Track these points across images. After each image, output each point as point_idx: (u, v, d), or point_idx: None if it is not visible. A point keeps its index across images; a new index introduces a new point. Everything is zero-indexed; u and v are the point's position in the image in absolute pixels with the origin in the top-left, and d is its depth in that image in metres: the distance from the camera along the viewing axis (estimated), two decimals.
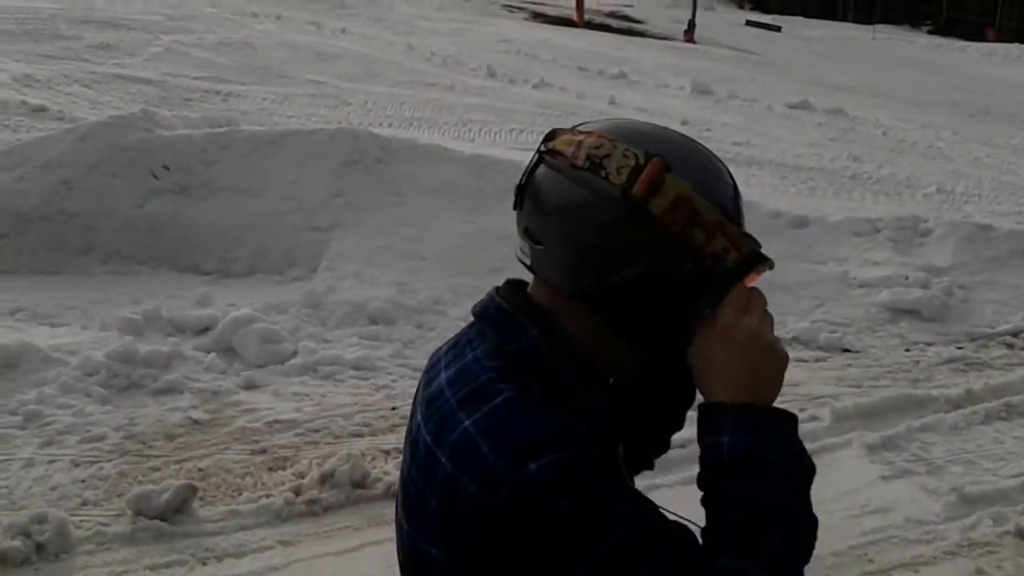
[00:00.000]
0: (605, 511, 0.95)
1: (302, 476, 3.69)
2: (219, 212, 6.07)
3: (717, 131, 10.83)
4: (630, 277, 1.03)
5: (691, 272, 1.03)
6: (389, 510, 3.49)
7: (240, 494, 3.56)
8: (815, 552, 3.34)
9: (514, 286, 1.16)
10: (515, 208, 1.12)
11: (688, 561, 0.96)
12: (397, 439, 4.07)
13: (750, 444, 1.01)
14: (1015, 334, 5.83)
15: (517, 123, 9.90)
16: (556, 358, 1.06)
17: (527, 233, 1.09)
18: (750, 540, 0.99)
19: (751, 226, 1.10)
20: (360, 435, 4.14)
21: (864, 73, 19.05)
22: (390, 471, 3.76)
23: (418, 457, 1.07)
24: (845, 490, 3.84)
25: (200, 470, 3.70)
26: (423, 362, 5.04)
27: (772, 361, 1.05)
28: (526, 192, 1.09)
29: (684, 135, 1.13)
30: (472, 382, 1.05)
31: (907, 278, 6.21)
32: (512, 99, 11.21)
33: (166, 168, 6.18)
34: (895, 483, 3.95)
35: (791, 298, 5.92)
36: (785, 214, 6.81)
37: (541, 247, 1.08)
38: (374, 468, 3.79)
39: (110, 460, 3.73)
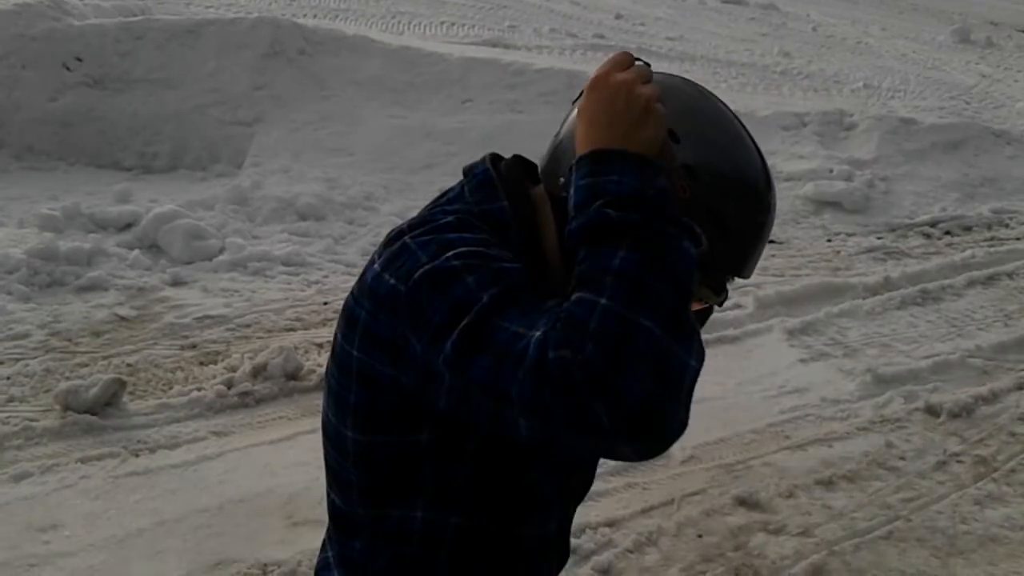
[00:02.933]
0: (501, 277, 0.94)
1: (234, 370, 3.67)
2: (136, 105, 5.85)
3: (651, 25, 10.72)
4: None
5: None
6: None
7: (171, 388, 3.54)
8: (734, 431, 3.43)
9: (516, 163, 1.15)
10: None
11: (536, 312, 0.91)
12: (329, 333, 4.04)
13: (588, 185, 0.93)
14: (933, 224, 6.03)
15: (448, 15, 9.66)
16: (515, 235, 1.06)
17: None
18: (593, 269, 0.89)
19: None
20: (292, 329, 4.13)
21: None
22: (323, 363, 3.77)
23: (363, 276, 1.08)
24: (765, 372, 4.00)
25: (129, 365, 3.67)
26: (355, 257, 4.99)
27: (635, 108, 0.95)
28: None
29: (724, 114, 1.10)
30: (427, 216, 1.08)
31: (831, 171, 6.34)
32: None
33: (79, 60, 5.90)
34: (813, 365, 4.12)
35: None
36: None
37: (553, 138, 1.11)
38: (307, 360, 3.79)
39: (35, 357, 3.66)
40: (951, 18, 14.09)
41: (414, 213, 1.17)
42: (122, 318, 4.04)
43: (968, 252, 5.53)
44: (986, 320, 4.71)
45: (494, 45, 8.33)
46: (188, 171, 5.70)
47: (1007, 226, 6.14)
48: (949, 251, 5.64)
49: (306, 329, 4.14)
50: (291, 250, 4.79)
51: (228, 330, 4.04)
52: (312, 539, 1.02)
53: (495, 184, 1.09)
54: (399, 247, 1.03)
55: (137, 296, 4.24)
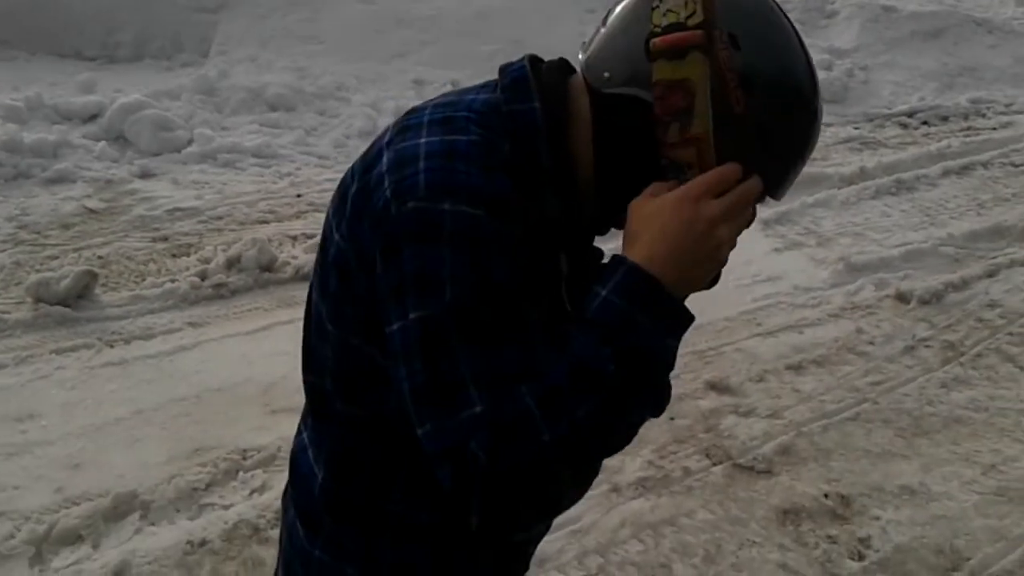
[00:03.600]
0: (476, 279, 0.90)
1: (207, 261, 3.65)
2: None
3: None
4: (629, 96, 0.96)
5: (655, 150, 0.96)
6: (299, 292, 3.51)
7: (144, 279, 3.51)
8: (707, 319, 3.44)
9: (557, 65, 1.08)
10: None
11: (491, 371, 0.88)
12: (304, 225, 4.04)
13: (618, 310, 0.90)
14: (910, 114, 6.00)
15: None
16: (543, 141, 1.01)
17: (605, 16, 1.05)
18: (561, 395, 0.88)
19: None
20: (265, 221, 4.09)
21: None
22: (298, 255, 3.75)
23: (368, 154, 1.04)
24: (739, 262, 4.00)
25: (100, 258, 3.63)
26: (328, 149, 4.89)
27: (703, 249, 0.93)
28: None
29: (789, 27, 0.98)
30: (451, 110, 1.02)
31: None
32: None
33: None
34: (786, 254, 4.15)
35: None
36: None
37: (601, 29, 1.03)
38: (281, 253, 3.77)
39: (4, 250, 3.62)
40: None
41: (387, 105, 1.11)
42: (91, 211, 3.97)
43: (944, 142, 5.52)
44: (959, 209, 4.74)
45: None
46: (152, 60, 5.54)
47: (984, 116, 6.12)
48: (925, 141, 5.62)
49: (279, 221, 4.10)
50: (261, 142, 4.70)
51: (200, 222, 4.00)
52: (291, 426, 1.04)
53: (529, 84, 1.03)
54: (411, 145, 0.98)
55: (105, 188, 4.16)
